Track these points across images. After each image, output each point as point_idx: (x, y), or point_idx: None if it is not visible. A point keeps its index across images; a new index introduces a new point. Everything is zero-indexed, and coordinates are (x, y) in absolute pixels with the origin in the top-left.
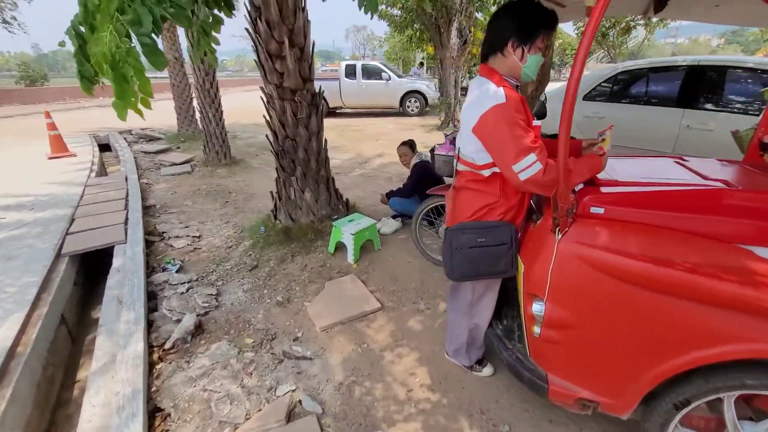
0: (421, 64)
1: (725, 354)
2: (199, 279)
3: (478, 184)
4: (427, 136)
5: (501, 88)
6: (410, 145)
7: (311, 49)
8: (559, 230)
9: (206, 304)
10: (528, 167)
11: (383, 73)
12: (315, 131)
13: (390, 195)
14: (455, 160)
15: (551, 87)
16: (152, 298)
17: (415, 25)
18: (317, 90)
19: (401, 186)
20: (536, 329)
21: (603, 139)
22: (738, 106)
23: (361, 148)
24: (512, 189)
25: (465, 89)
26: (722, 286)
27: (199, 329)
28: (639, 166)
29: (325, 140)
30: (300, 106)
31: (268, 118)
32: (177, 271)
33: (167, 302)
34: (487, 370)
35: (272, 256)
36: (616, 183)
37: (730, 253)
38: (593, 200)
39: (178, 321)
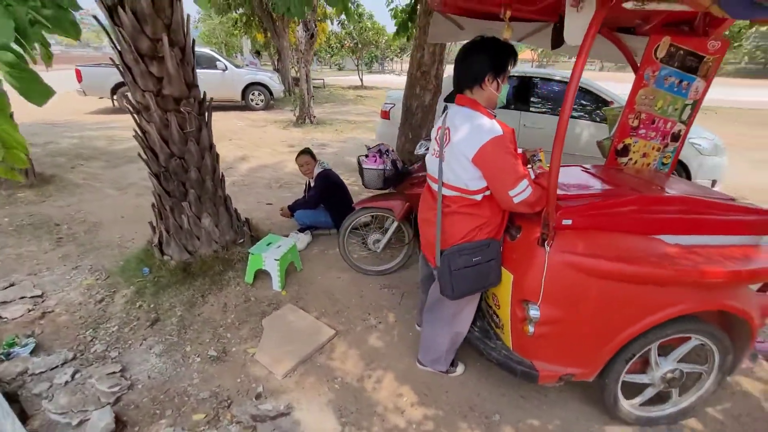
0: (258, 53)
1: (664, 317)
2: (79, 356)
3: (470, 207)
4: (285, 134)
5: (494, 121)
6: (311, 153)
7: (192, 48)
8: (547, 243)
9: (114, 388)
10: (522, 192)
11: (218, 62)
12: (207, 146)
13: (294, 208)
14: (440, 186)
15: None
16: (12, 401)
17: (239, 10)
18: (203, 96)
19: (304, 197)
20: (530, 329)
21: (540, 159)
22: (558, 109)
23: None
24: (498, 209)
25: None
26: (657, 269)
27: (120, 425)
28: (564, 176)
29: (217, 155)
30: (188, 117)
31: (140, 133)
32: (32, 353)
33: (51, 403)
34: (460, 368)
35: (174, 301)
36: (567, 196)
37: (653, 244)
38: (563, 213)
39: (83, 423)
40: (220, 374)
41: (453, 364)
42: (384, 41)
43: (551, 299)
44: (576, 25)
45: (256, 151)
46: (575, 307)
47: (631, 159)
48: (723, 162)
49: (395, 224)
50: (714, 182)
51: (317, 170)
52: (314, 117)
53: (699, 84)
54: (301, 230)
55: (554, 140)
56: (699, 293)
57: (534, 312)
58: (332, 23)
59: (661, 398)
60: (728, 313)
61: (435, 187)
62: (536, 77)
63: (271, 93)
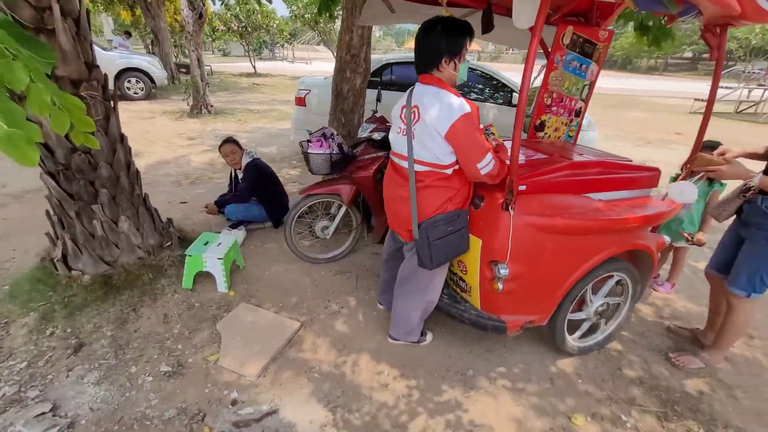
0: (128, 33)
1: (598, 260)
2: None
3: (442, 181)
4: (180, 126)
5: (462, 99)
6: (237, 142)
7: (87, 20)
8: (511, 207)
9: (52, 430)
10: (488, 164)
11: None
12: (117, 137)
13: (222, 203)
14: (410, 163)
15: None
16: None
17: None
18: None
19: (231, 190)
20: (499, 286)
21: (492, 133)
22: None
23: None
24: (465, 181)
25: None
26: (593, 221)
27: None
28: None
29: (130, 148)
30: (92, 103)
31: None
32: None
33: None
34: (429, 336)
35: (99, 321)
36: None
37: (586, 201)
38: (518, 181)
39: None
40: (182, 389)
41: (422, 334)
42: (275, 26)
43: (516, 257)
44: (522, 10)
45: (149, 146)
46: (535, 261)
47: (546, 133)
48: (595, 136)
49: (343, 209)
50: None
51: (245, 160)
52: (212, 106)
53: (593, 67)
54: (233, 226)
55: (515, 119)
56: (619, 238)
57: (504, 270)
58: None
59: (592, 329)
60: (637, 251)
61: (404, 164)
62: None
63: (152, 80)
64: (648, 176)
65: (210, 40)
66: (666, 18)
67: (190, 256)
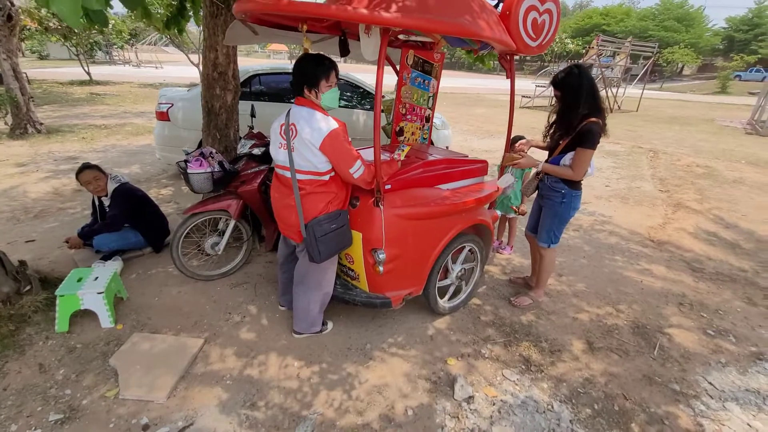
0: None
1: (452, 236)
2: None
3: (321, 186)
4: (3, 150)
5: (329, 117)
6: (98, 167)
7: None
8: (380, 203)
9: None
10: (358, 169)
11: None
12: None
13: (88, 234)
14: (293, 172)
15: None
16: None
17: None
18: None
19: (95, 219)
20: (380, 269)
21: (403, 150)
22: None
23: None
24: (342, 185)
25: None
26: (443, 207)
27: None
28: (368, 154)
29: None
30: None
31: None
32: None
33: None
34: (330, 325)
35: None
36: None
37: (437, 192)
38: (385, 181)
39: None
40: (81, 430)
41: (324, 324)
42: (111, 25)
43: (390, 243)
44: (369, 45)
45: None
46: (404, 244)
47: (405, 137)
48: (449, 133)
49: (233, 223)
50: (447, 147)
51: (111, 185)
52: (41, 124)
53: (434, 82)
54: (105, 258)
55: (374, 131)
56: (465, 216)
57: (382, 255)
58: None
59: (456, 291)
60: (479, 225)
61: (287, 174)
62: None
63: None
64: (480, 167)
65: (16, 40)
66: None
67: (61, 296)
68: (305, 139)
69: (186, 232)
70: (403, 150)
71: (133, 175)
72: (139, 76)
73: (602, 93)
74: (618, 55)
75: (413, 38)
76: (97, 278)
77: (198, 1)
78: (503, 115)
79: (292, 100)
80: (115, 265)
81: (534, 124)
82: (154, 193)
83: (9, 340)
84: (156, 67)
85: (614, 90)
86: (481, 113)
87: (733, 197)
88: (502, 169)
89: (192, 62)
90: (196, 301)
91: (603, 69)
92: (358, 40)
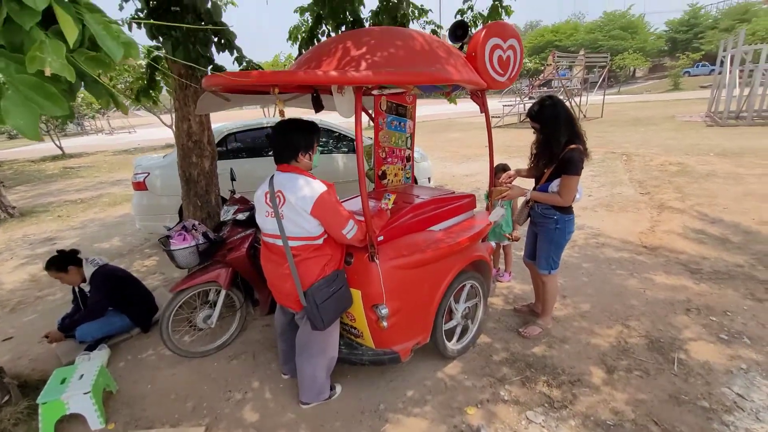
0: None
1: (451, 277)
2: None
3: (316, 251)
4: None
5: (317, 180)
6: (67, 259)
7: None
8: (375, 258)
9: None
10: (351, 229)
11: None
12: None
13: (70, 326)
14: (284, 240)
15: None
16: None
17: None
18: None
19: (76, 308)
20: (384, 324)
21: (389, 199)
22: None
23: None
24: (336, 246)
25: None
26: (439, 250)
27: None
28: (355, 204)
29: None
30: None
31: None
32: None
33: None
34: (338, 388)
35: None
36: None
37: (430, 234)
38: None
39: None
40: None
41: (332, 388)
42: (80, 98)
43: (391, 295)
44: (343, 103)
45: None
46: (405, 294)
47: (388, 179)
48: (429, 165)
49: (224, 293)
50: (429, 179)
51: (89, 270)
52: (13, 208)
53: (409, 123)
54: (90, 348)
55: (359, 183)
56: (462, 255)
57: (384, 310)
58: None
59: (464, 331)
60: (477, 261)
61: (278, 242)
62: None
63: None
64: (467, 202)
65: None
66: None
67: (44, 403)
68: (295, 205)
69: (175, 309)
70: (389, 198)
71: (115, 248)
72: (112, 144)
73: (567, 104)
74: (574, 67)
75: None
76: (82, 376)
77: (166, 72)
78: (477, 137)
79: (270, 154)
80: (101, 355)
81: (508, 142)
82: (137, 266)
83: None
84: (129, 132)
85: (577, 100)
86: (456, 137)
87: (710, 191)
88: (491, 203)
89: (165, 123)
90: (192, 383)
91: (563, 82)
92: (330, 94)
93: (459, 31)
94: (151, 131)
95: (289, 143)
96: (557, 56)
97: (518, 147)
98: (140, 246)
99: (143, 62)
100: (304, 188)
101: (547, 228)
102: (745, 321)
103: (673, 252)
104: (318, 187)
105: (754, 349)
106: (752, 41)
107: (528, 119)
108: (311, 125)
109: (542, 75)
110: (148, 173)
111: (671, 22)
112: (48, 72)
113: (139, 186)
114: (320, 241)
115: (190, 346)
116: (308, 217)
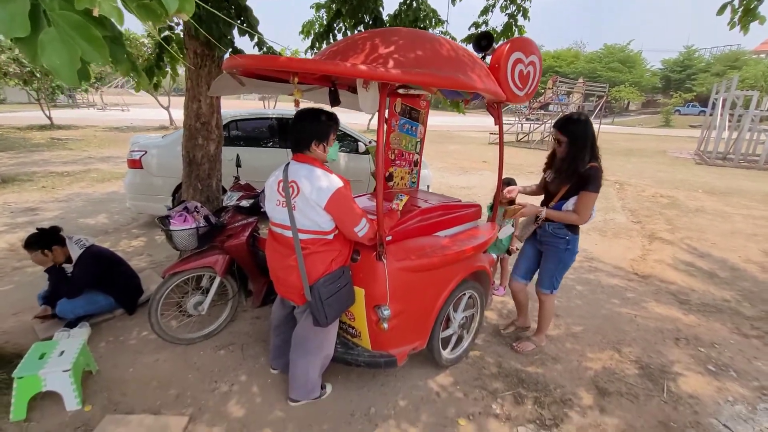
0: None
1: (454, 285)
2: None
3: (325, 246)
4: None
5: (333, 175)
6: (53, 236)
7: None
8: (383, 257)
9: None
10: (363, 227)
11: None
12: None
13: (51, 300)
14: (294, 232)
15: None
16: None
17: None
18: None
19: (54, 288)
20: (385, 325)
21: (401, 200)
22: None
23: None
24: (345, 242)
25: None
26: (444, 255)
27: None
28: (365, 202)
29: None
30: None
31: None
32: None
33: None
34: (329, 388)
35: None
36: None
37: (436, 240)
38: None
39: None
40: None
41: (322, 387)
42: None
43: (394, 298)
44: (367, 98)
45: None
46: (409, 297)
47: (394, 182)
48: (429, 173)
49: (218, 280)
50: (428, 187)
51: (76, 251)
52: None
53: (421, 127)
54: (70, 325)
55: (376, 181)
56: (465, 264)
57: (386, 311)
58: None
59: (458, 341)
60: (477, 271)
61: (286, 233)
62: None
63: None
64: (474, 211)
65: None
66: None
67: (20, 378)
68: (309, 198)
69: (166, 292)
70: (401, 199)
71: (100, 225)
72: (104, 120)
73: None
74: (573, 94)
75: (404, 89)
76: (63, 353)
77: (175, 54)
78: (475, 151)
79: (269, 144)
80: (82, 332)
81: (506, 159)
82: (124, 245)
83: None
84: (122, 110)
85: None
86: (454, 149)
87: (699, 226)
88: (494, 216)
89: (162, 105)
90: (176, 370)
91: (563, 107)
92: (348, 90)
93: (484, 41)
94: (145, 111)
95: (304, 131)
96: (558, 81)
97: (514, 165)
98: (127, 225)
99: (147, 40)
100: (321, 181)
101: (557, 248)
102: (732, 354)
103: (663, 281)
104: (335, 182)
105: (740, 383)
106: (741, 87)
107: (556, 131)
108: (329, 116)
109: (541, 98)
110: (146, 152)
111: (666, 61)
112: (96, 12)
113: (135, 164)
114: (330, 237)
115: (176, 332)
116: (321, 212)
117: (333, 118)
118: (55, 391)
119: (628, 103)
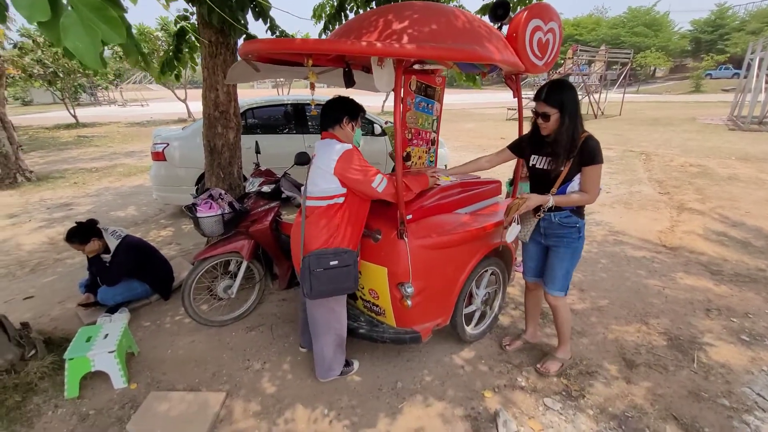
0: None
1: (476, 261)
2: None
3: (325, 213)
4: None
5: (344, 143)
6: (91, 229)
7: None
8: (405, 235)
9: None
10: (380, 182)
11: None
12: None
13: (95, 285)
14: (303, 199)
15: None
16: None
17: None
18: None
19: (94, 277)
20: (408, 302)
21: (439, 177)
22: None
23: None
24: (349, 220)
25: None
26: (465, 232)
27: None
28: None
29: None
30: None
31: None
32: None
33: None
34: (356, 364)
35: None
36: None
37: (456, 217)
38: (406, 210)
39: None
40: None
41: (348, 364)
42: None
43: (417, 275)
44: (382, 76)
45: None
46: (431, 274)
47: (412, 162)
48: (446, 152)
49: (245, 264)
50: (446, 166)
51: (113, 242)
52: (30, 172)
53: (437, 105)
54: (110, 311)
55: (395, 159)
56: (486, 240)
57: (410, 289)
58: (3, 48)
59: (482, 317)
60: (498, 247)
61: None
62: (298, 103)
63: None
64: (494, 188)
65: (2, 90)
66: (481, 74)
67: (71, 359)
68: (318, 166)
69: (198, 277)
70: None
71: (130, 217)
72: (125, 116)
73: (585, 100)
74: (594, 63)
75: (419, 66)
76: (107, 335)
77: (193, 44)
78: (492, 128)
79: (285, 131)
80: (122, 317)
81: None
82: (153, 235)
83: (16, 413)
84: (142, 105)
85: (596, 96)
86: (471, 128)
87: (732, 194)
88: (509, 220)
89: (179, 98)
90: (211, 350)
91: (584, 77)
92: (362, 70)
93: (500, 10)
94: (163, 105)
95: (335, 111)
96: (578, 50)
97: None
98: (155, 216)
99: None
100: (333, 147)
101: (569, 239)
102: (767, 324)
103: (693, 252)
104: (341, 147)
105: None
106: None
107: (541, 104)
108: (358, 105)
109: (561, 69)
110: (167, 144)
111: (696, 22)
112: None
113: (158, 156)
114: (332, 202)
115: (209, 315)
116: (330, 177)
117: (360, 107)
118: (102, 370)
119: (654, 69)
